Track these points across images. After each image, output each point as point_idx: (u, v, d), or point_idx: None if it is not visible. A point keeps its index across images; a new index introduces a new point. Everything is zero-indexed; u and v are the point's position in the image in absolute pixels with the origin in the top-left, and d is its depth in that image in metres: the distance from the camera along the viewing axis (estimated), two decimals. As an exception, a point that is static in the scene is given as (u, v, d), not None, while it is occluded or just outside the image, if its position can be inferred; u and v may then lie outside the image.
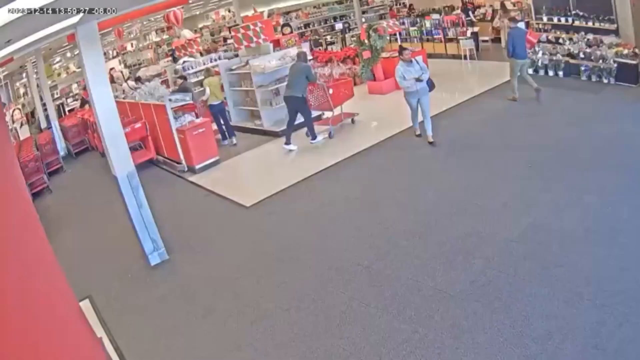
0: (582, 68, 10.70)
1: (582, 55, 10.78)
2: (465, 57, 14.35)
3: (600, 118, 8.23)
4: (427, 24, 16.41)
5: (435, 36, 16.39)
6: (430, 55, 15.06)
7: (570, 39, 11.30)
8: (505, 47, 9.99)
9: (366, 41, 12.38)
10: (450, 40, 15.35)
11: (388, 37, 13.44)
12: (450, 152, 7.86)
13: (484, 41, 16.42)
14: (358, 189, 7.00)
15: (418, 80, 7.97)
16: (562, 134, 7.85)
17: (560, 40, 11.46)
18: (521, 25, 11.33)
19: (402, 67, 8.06)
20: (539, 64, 11.39)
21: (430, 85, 8.26)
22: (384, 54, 12.50)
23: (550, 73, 11.27)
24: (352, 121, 10.07)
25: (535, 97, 9.45)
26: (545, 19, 12.05)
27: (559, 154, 7.15)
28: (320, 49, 18.07)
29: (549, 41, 11.68)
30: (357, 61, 13.30)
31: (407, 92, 8.17)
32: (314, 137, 9.33)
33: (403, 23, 17.24)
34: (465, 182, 6.76)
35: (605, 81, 10.17)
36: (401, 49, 8.11)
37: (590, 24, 11.05)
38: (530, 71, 10.84)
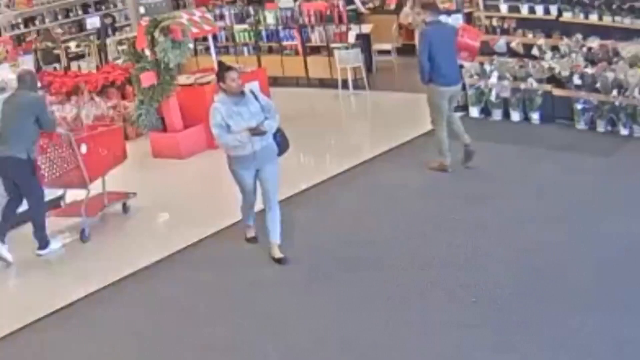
0: (579, 106, 9.92)
1: (577, 81, 9.90)
2: (345, 85, 13.69)
3: (613, 207, 7.65)
4: (269, 18, 14.97)
5: (285, 43, 14.96)
6: (275, 81, 13.92)
7: (555, 49, 10.59)
8: (420, 64, 8.84)
9: (148, 53, 10.93)
10: (316, 51, 14.76)
11: (192, 45, 12.52)
12: (316, 274, 7.11)
13: (382, 52, 15.20)
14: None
15: (256, 132, 6.90)
16: (536, 239, 7.15)
17: (535, 51, 10.75)
18: (451, 19, 10.62)
19: (223, 105, 6.91)
20: (491, 97, 10.77)
21: (281, 143, 7.28)
22: (182, 79, 11.59)
23: (515, 116, 10.69)
24: (125, 209, 9.31)
25: (464, 161, 8.95)
26: (504, 7, 11.25)
27: (531, 279, 6.47)
28: (56, 69, 16.42)
29: (512, 53, 11.22)
30: (131, 93, 12.42)
31: (235, 156, 7.14)
32: (45, 244, 8.27)
33: (221, 16, 15.52)
34: (345, 338, 6.05)
35: (625, 132, 9.55)
36: (223, 69, 7.00)
37: (594, 17, 10.33)
38: (459, 113, 10.09)
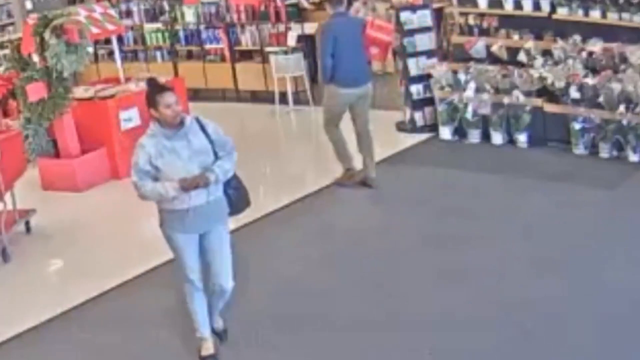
0: (577, 126, 10.10)
1: (575, 95, 10.06)
2: (284, 99, 13.85)
3: (617, 251, 7.68)
4: (189, 16, 15.01)
5: (208, 46, 15.05)
6: (196, 95, 14.10)
7: (547, 54, 10.75)
8: (320, 61, 9.70)
9: (36, 59, 10.88)
10: (247, 56, 14.98)
11: (91, 49, 12.54)
12: (248, 338, 6.97)
13: None
14: None
15: (193, 186, 6.17)
16: (524, 292, 7.15)
17: (523, 57, 10.91)
18: (417, 16, 11.13)
19: (152, 140, 6.24)
20: (467, 115, 10.87)
21: (236, 198, 6.61)
22: (79, 91, 11.56)
23: (497, 138, 10.87)
24: (28, 228, 9.74)
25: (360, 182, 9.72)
26: (483, 2, 11.41)
27: (518, 341, 6.46)
28: None
29: (493, 58, 11.30)
30: (15, 109, 12.36)
31: (166, 210, 6.42)
32: None
33: (129, 13, 15.56)
34: None
35: (634, 157, 9.72)
36: (155, 91, 6.35)
37: (596, 15, 10.47)
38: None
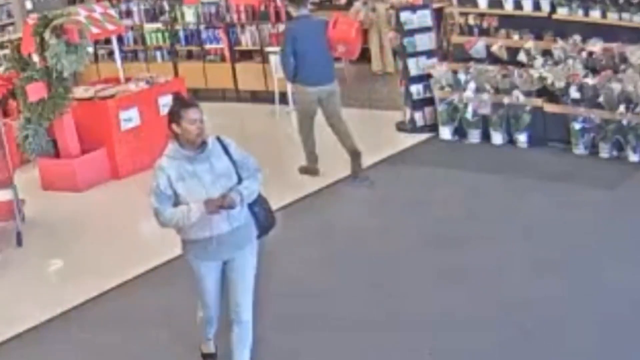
0: (577, 126, 10.09)
1: (575, 95, 10.06)
2: (284, 99, 13.73)
3: (618, 251, 7.64)
4: (189, 16, 14.99)
5: (209, 46, 14.98)
6: (196, 94, 13.72)
7: (547, 54, 10.74)
8: (282, 60, 10.06)
9: (36, 59, 10.88)
10: (247, 56, 14.92)
11: (91, 49, 12.48)
12: (254, 338, 6.43)
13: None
14: None
15: (221, 207, 5.76)
16: (524, 293, 7.11)
17: (522, 57, 10.90)
18: (417, 16, 11.17)
19: (173, 162, 5.81)
20: (467, 115, 10.84)
21: (263, 218, 6.24)
22: (79, 91, 11.53)
23: (497, 138, 10.85)
24: (22, 217, 9.66)
25: (352, 171, 9.96)
26: (483, 2, 11.41)
27: (518, 341, 6.42)
28: None
29: (493, 58, 11.23)
30: (15, 109, 12.39)
31: (189, 240, 6.02)
32: None
33: (129, 13, 15.53)
34: None
35: (634, 157, 9.72)
36: (178, 105, 5.96)
37: (596, 15, 10.48)
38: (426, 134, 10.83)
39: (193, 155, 5.79)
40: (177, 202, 5.75)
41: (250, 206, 6.00)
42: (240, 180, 5.86)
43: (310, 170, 10.29)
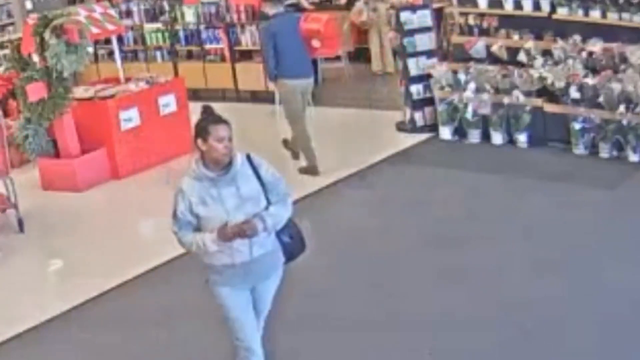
0: (577, 126, 10.09)
1: (575, 95, 10.06)
2: None
3: (618, 251, 7.62)
4: (189, 16, 14.95)
5: (209, 46, 14.98)
6: (196, 95, 13.84)
7: (547, 54, 10.74)
8: (265, 58, 10.56)
9: (36, 59, 10.84)
10: (247, 56, 14.95)
11: (91, 49, 12.47)
12: None
13: (329, 58, 15.04)
14: None
15: (239, 235, 5.19)
16: (524, 293, 7.09)
17: (522, 57, 10.89)
18: (417, 16, 11.21)
19: (196, 184, 5.29)
20: (467, 114, 10.83)
21: (292, 245, 5.71)
22: (79, 91, 11.50)
23: (497, 138, 10.85)
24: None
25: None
26: (483, 2, 11.40)
27: (518, 341, 6.40)
28: None
29: (493, 58, 11.22)
30: (15, 109, 12.34)
31: (211, 266, 5.45)
32: None
33: (129, 13, 15.53)
34: None
35: (634, 157, 9.71)
36: (208, 120, 5.36)
37: (596, 15, 10.46)
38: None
39: (217, 177, 5.28)
40: (198, 225, 5.31)
41: (278, 234, 5.50)
42: (268, 204, 5.36)
43: (310, 170, 10.28)
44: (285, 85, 10.12)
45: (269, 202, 5.31)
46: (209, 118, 5.32)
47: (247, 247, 5.26)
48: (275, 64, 10.02)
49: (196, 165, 5.29)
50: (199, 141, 5.22)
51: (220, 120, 5.31)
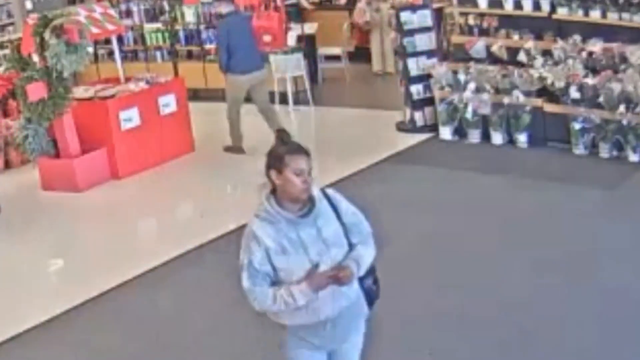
0: (577, 126, 10.09)
1: (575, 95, 10.06)
2: (284, 100, 13.78)
3: (618, 252, 7.57)
4: (189, 16, 14.98)
5: (209, 46, 14.97)
6: (196, 95, 13.94)
7: (547, 54, 10.75)
8: (218, 53, 11.16)
9: (36, 58, 10.88)
10: None
11: (91, 49, 12.60)
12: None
13: (330, 58, 15.39)
14: None
15: (331, 281, 4.29)
16: (524, 292, 7.06)
17: (522, 57, 10.91)
18: (417, 16, 11.17)
19: (270, 228, 4.33)
20: (467, 114, 10.82)
21: (372, 292, 4.82)
22: (79, 91, 11.51)
23: (497, 138, 10.84)
24: None
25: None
26: (483, 2, 11.41)
27: (518, 341, 6.37)
28: None
29: (493, 58, 11.22)
30: (15, 109, 12.39)
31: (292, 327, 4.52)
32: None
33: (129, 13, 15.54)
34: None
35: (634, 157, 9.70)
36: (283, 151, 4.37)
37: (596, 15, 10.46)
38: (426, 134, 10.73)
39: (296, 217, 4.36)
40: (276, 278, 4.38)
41: (361, 280, 4.63)
42: (350, 247, 4.52)
43: (235, 149, 11.23)
44: (235, 80, 10.96)
45: (349, 244, 4.51)
46: (286, 146, 4.40)
47: (330, 298, 4.41)
48: (228, 58, 10.81)
49: (268, 203, 4.35)
50: (273, 173, 4.33)
51: (299, 149, 4.40)
